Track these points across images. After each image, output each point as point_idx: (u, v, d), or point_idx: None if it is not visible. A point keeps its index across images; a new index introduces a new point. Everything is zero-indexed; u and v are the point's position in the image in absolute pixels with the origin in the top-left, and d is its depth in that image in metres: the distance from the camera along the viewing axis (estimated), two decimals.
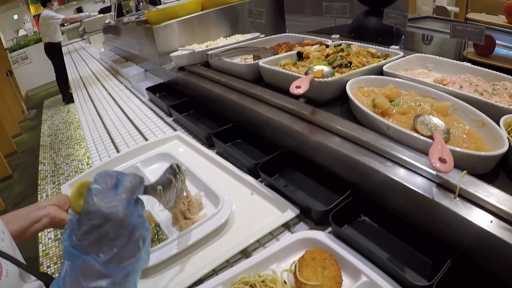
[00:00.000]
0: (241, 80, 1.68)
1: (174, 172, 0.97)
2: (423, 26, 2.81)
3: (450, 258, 0.87)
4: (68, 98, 7.80)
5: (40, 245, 3.47)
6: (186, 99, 1.99)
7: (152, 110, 2.23)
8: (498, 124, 1.10)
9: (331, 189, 1.22)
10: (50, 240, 3.51)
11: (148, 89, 2.36)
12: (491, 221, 0.84)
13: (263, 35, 2.31)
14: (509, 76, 1.47)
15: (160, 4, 3.86)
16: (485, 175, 0.98)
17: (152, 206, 1.24)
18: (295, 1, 3.60)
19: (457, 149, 0.98)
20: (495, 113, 1.18)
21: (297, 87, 1.24)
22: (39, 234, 3.57)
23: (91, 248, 0.56)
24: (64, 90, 7.78)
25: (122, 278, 0.58)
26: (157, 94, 2.29)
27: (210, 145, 1.61)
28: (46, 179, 4.80)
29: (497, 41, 2.00)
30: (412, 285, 0.83)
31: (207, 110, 1.87)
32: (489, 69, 1.59)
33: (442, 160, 0.87)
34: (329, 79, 1.34)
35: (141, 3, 4.30)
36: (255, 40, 2.09)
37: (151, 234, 1.06)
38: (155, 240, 1.11)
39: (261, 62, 1.60)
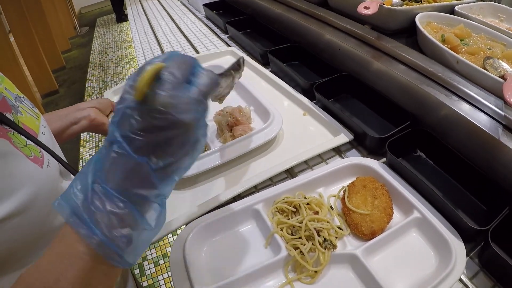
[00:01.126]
0: (304, 1, 1.59)
1: (239, 67, 0.87)
2: None
3: (509, 206, 0.80)
4: (121, 18, 7.75)
5: (81, 161, 3.52)
6: (245, 17, 1.91)
7: (207, 26, 2.15)
8: None
9: (389, 119, 1.15)
10: (91, 156, 3.53)
11: (205, 5, 2.27)
12: None
13: None
14: None
15: None
16: None
17: None
18: None
19: None
20: None
21: (366, 7, 1.15)
22: (81, 150, 3.65)
23: (145, 149, 0.44)
24: (118, 9, 7.72)
25: (164, 188, 0.48)
26: (215, 11, 2.21)
27: (265, 64, 1.55)
28: (93, 95, 4.82)
29: None
30: (467, 228, 0.77)
31: (266, 29, 1.78)
32: None
33: None
34: (398, 8, 1.24)
35: None
36: None
37: None
38: None
39: None
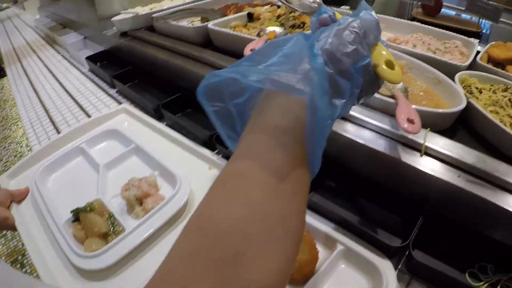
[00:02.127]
0: (189, 44, 1.58)
1: None
2: None
3: (422, 215, 0.88)
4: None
5: None
6: (130, 68, 1.86)
7: (93, 82, 2.07)
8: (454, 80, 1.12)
9: None
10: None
11: (88, 58, 2.18)
12: (459, 176, 0.85)
13: None
14: (458, 35, 1.48)
15: None
16: (445, 131, 1.00)
17: (104, 193, 1.13)
18: None
19: (420, 107, 0.97)
20: (449, 70, 1.19)
21: (252, 50, 1.17)
22: None
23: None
24: None
25: None
26: (98, 63, 2.13)
27: (160, 117, 1.50)
28: None
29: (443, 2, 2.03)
30: (388, 246, 0.84)
31: (154, 78, 1.74)
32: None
33: (410, 121, 0.84)
34: None
35: None
36: (202, 1, 1.97)
37: (106, 228, 0.96)
38: (110, 233, 1.00)
39: (210, 25, 1.50)
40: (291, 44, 0.49)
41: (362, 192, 1.04)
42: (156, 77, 1.72)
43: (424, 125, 0.93)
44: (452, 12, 2.27)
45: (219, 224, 0.37)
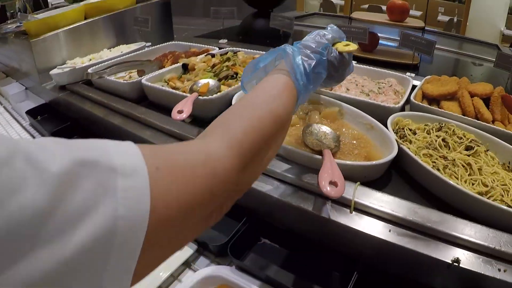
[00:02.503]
0: (124, 101, 1.53)
1: None
2: (310, 24, 2.85)
3: (356, 270, 0.87)
4: None
5: None
6: (69, 124, 1.80)
7: (33, 137, 1.99)
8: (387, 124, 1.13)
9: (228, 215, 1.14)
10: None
11: (28, 112, 2.09)
12: (390, 230, 0.85)
13: (150, 44, 2.19)
14: (392, 72, 1.53)
15: (48, 6, 3.51)
16: (376, 180, 1.00)
17: None
18: (184, 4, 3.49)
19: (348, 162, 0.97)
20: (383, 113, 1.21)
21: (179, 111, 1.14)
22: None
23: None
24: None
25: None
26: (39, 117, 2.04)
27: None
28: None
29: (380, 34, 2.07)
30: None
31: (93, 136, 1.67)
32: (374, 64, 1.61)
33: (333, 183, 0.82)
34: (214, 96, 1.26)
35: (19, 13, 3.91)
36: (140, 51, 1.95)
37: None
38: None
39: (143, 80, 1.47)
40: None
41: (298, 249, 1.02)
42: (94, 135, 1.65)
43: (354, 178, 0.94)
44: (392, 44, 2.32)
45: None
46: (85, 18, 2.20)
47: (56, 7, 2.74)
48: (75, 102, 1.73)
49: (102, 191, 0.34)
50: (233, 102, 1.24)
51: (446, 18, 6.16)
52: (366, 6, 6.94)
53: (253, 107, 0.65)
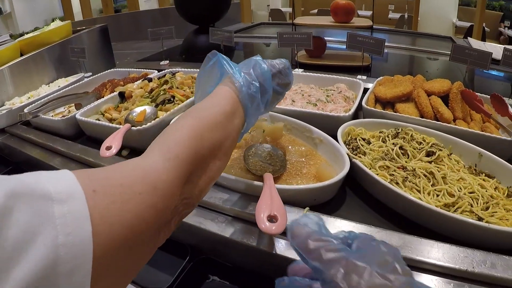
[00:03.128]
0: (63, 140, 1.40)
1: None
2: (256, 35, 2.79)
3: None
4: None
5: None
6: (11, 168, 1.64)
7: None
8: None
9: (171, 252, 1.03)
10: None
11: None
12: None
13: (90, 73, 2.07)
14: (341, 76, 1.44)
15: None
16: (330, 201, 0.92)
17: None
18: (125, 28, 3.39)
19: (292, 187, 0.87)
20: (334, 123, 1.11)
21: (108, 148, 1.02)
22: None
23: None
24: None
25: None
26: None
27: None
28: None
29: (328, 38, 2.00)
30: None
31: None
32: (323, 69, 1.54)
33: (273, 216, 0.72)
34: (148, 125, 1.16)
35: None
36: (79, 83, 1.82)
37: None
38: None
39: (77, 115, 1.35)
40: None
41: (250, 286, 0.92)
42: None
43: (304, 203, 0.86)
44: (343, 46, 2.26)
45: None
46: (22, 55, 2.06)
47: None
48: (14, 146, 1.58)
49: (38, 221, 0.33)
50: None
51: (397, 16, 6.23)
52: (316, 11, 6.97)
53: (188, 117, 0.64)
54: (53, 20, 2.32)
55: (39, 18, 9.09)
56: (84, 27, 2.37)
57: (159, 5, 5.67)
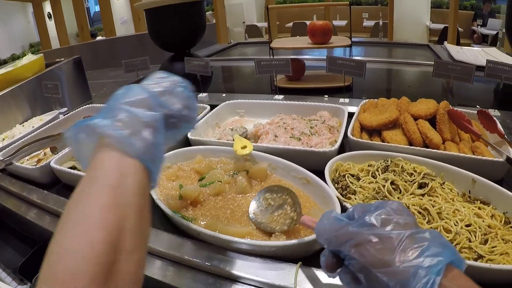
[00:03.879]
0: (38, 189, 1.32)
1: None
2: (234, 57, 2.75)
3: None
4: None
5: None
6: None
7: None
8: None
9: None
10: None
11: None
12: None
13: (65, 109, 2.02)
14: (323, 104, 1.43)
15: None
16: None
17: None
18: (100, 56, 3.34)
19: (283, 243, 0.81)
20: (320, 159, 1.08)
21: None
22: None
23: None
24: None
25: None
26: None
27: (22, 280, 1.22)
28: None
29: (306, 57, 1.97)
30: None
31: (15, 232, 1.46)
32: (303, 92, 1.51)
33: None
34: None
35: None
36: (54, 122, 1.75)
37: None
38: None
39: (52, 162, 1.28)
40: None
41: None
42: (17, 231, 1.45)
43: (294, 257, 0.81)
44: (321, 64, 2.22)
45: None
46: None
47: None
48: None
49: None
50: None
51: (371, 23, 6.26)
52: (291, 24, 7.00)
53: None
54: (31, 46, 2.27)
55: (16, 44, 9.04)
56: (57, 60, 2.31)
57: (135, 31, 5.62)
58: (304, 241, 0.80)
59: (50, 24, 5.39)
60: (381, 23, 5.04)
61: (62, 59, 2.30)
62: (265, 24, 7.01)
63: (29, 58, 2.20)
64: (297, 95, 1.66)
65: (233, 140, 1.19)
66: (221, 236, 0.84)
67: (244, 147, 1.12)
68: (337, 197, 0.92)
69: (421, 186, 0.95)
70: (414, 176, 0.97)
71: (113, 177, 0.52)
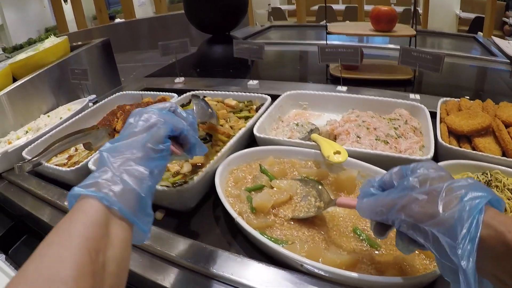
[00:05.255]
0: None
1: None
2: (274, 41, 2.57)
3: None
4: None
5: None
6: (12, 225, 1.36)
7: None
8: None
9: None
10: None
11: None
12: None
13: (94, 96, 1.87)
14: (399, 100, 1.29)
15: None
16: None
17: None
18: (121, 39, 3.16)
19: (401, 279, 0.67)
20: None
21: None
22: None
23: None
24: None
25: None
26: None
27: None
28: None
29: (364, 44, 1.81)
30: None
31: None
32: (363, 84, 1.52)
33: None
34: (191, 184, 0.92)
35: None
36: (84, 112, 1.57)
37: None
38: None
39: (90, 163, 1.12)
40: None
41: None
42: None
43: None
44: (376, 53, 2.05)
45: None
46: (15, 80, 1.80)
47: None
48: (13, 198, 1.30)
49: None
50: (216, 185, 0.91)
51: (399, 9, 6.02)
52: (316, 7, 6.79)
53: None
54: (46, 31, 2.09)
55: (32, 29, 8.96)
56: (80, 43, 2.13)
57: (156, 12, 5.44)
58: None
59: (66, 8, 5.22)
60: (412, 9, 4.83)
61: (90, 41, 2.12)
62: (289, 7, 6.86)
63: (52, 41, 2.02)
64: (355, 87, 1.48)
65: (311, 140, 1.07)
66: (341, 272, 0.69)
67: (337, 152, 0.95)
68: None
69: None
70: None
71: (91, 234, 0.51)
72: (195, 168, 1.03)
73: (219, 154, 1.03)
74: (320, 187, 0.87)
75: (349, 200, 0.71)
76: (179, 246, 0.86)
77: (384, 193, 0.59)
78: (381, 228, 0.61)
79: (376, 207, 0.58)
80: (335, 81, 1.63)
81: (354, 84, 1.57)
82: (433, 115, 1.20)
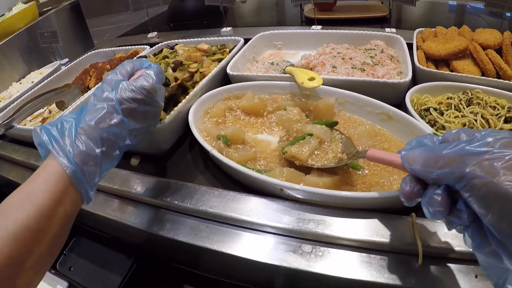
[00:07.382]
0: None
1: None
2: None
3: None
4: None
5: None
6: None
7: None
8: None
9: None
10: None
11: None
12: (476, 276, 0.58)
13: (67, 59, 1.82)
14: (375, 32, 1.26)
15: None
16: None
17: None
18: (94, 2, 3.04)
19: (386, 193, 0.64)
20: (390, 91, 0.95)
21: None
22: None
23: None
24: None
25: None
26: None
27: None
28: None
29: None
30: None
31: None
32: (337, 24, 1.46)
33: None
34: (165, 122, 0.89)
35: None
36: (56, 73, 1.53)
37: None
38: None
39: None
40: None
41: None
42: None
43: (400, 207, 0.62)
44: None
45: None
46: None
47: None
48: None
49: None
50: (191, 125, 0.89)
51: None
52: None
53: None
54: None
55: (2, 4, 8.68)
56: (50, 7, 2.06)
57: None
58: None
59: None
60: None
61: (59, 4, 2.06)
62: None
63: (19, 7, 1.96)
64: (332, 27, 1.45)
65: (284, 73, 1.03)
66: (323, 192, 0.67)
67: (312, 78, 0.92)
68: (434, 133, 0.75)
69: (506, 120, 0.84)
70: (498, 109, 0.86)
71: (47, 203, 0.55)
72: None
73: (191, 93, 0.99)
74: (343, 136, 0.80)
75: (386, 154, 0.58)
76: (154, 187, 0.84)
77: (452, 144, 0.45)
78: (417, 188, 0.49)
79: (438, 158, 0.45)
80: (310, 22, 1.60)
81: (329, 24, 1.54)
82: (409, 46, 1.18)
